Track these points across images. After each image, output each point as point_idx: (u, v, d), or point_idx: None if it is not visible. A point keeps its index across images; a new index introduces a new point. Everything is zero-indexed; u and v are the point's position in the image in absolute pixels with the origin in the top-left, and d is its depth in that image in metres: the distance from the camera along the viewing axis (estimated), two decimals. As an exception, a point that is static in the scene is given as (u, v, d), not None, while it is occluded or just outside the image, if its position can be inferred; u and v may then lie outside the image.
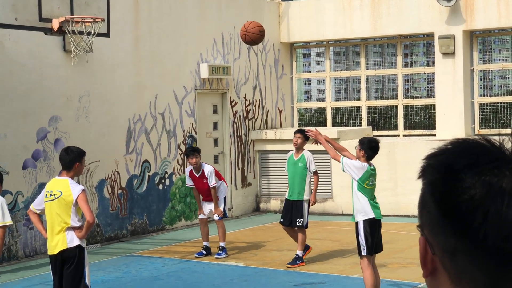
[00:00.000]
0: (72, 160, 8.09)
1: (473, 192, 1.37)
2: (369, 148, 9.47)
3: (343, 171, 9.69)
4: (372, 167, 9.55)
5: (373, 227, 9.39)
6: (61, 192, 8.01)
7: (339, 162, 9.65)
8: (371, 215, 9.40)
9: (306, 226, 12.37)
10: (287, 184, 18.11)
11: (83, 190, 8.07)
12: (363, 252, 9.30)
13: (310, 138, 10.86)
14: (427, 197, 1.45)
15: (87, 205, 7.97)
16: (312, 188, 12.56)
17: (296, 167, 12.55)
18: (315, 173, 12.54)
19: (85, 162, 8.41)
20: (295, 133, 12.81)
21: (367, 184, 9.47)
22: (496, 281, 1.37)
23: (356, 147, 9.70)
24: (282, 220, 12.67)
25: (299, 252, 12.27)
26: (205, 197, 13.12)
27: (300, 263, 12.23)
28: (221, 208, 13.02)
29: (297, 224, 12.21)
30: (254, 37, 11.22)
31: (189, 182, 13.19)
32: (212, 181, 12.80)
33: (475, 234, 1.36)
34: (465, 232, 1.37)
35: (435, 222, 1.42)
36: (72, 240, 8.00)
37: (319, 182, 12.94)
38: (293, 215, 12.28)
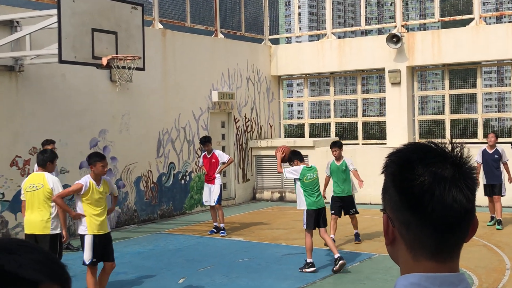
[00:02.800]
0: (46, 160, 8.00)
1: (423, 179, 1.37)
2: (293, 155, 9.42)
3: (286, 177, 9.63)
4: (310, 167, 9.49)
5: (310, 213, 9.38)
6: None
7: (281, 173, 9.60)
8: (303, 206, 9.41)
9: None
10: (277, 180, 18.05)
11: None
12: (304, 227, 9.47)
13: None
14: (389, 184, 1.43)
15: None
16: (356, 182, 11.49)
17: (340, 171, 11.40)
18: (355, 170, 11.47)
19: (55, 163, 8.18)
20: (332, 146, 11.55)
21: (306, 178, 9.36)
22: (439, 244, 1.38)
23: (291, 164, 9.50)
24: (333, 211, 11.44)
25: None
26: (208, 176, 12.81)
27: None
28: (217, 191, 12.68)
29: (350, 212, 11.42)
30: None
31: (201, 163, 13.07)
32: (224, 158, 12.75)
33: (424, 210, 1.36)
34: (417, 208, 1.37)
35: (394, 202, 1.41)
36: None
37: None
38: (347, 206, 11.38)
